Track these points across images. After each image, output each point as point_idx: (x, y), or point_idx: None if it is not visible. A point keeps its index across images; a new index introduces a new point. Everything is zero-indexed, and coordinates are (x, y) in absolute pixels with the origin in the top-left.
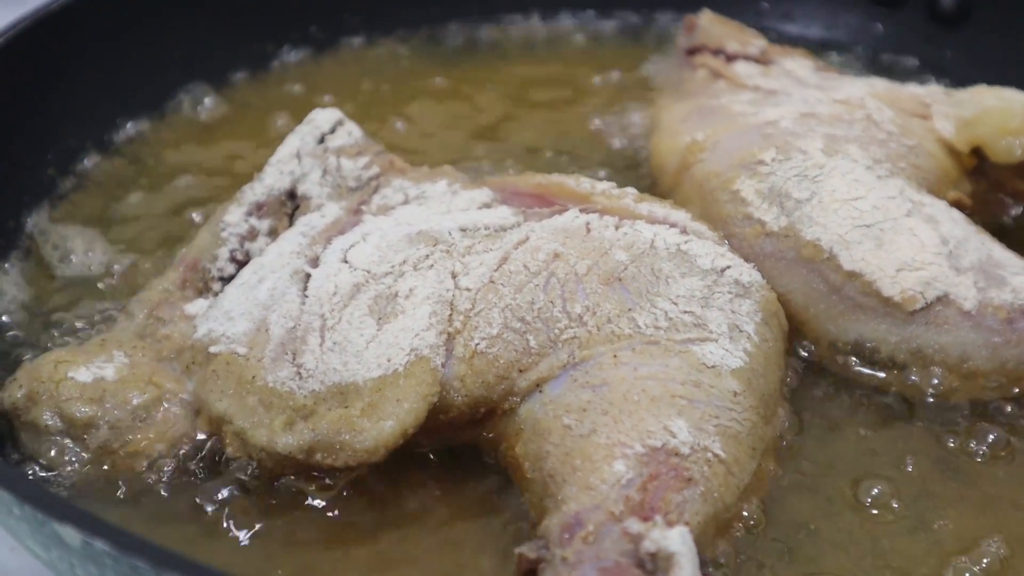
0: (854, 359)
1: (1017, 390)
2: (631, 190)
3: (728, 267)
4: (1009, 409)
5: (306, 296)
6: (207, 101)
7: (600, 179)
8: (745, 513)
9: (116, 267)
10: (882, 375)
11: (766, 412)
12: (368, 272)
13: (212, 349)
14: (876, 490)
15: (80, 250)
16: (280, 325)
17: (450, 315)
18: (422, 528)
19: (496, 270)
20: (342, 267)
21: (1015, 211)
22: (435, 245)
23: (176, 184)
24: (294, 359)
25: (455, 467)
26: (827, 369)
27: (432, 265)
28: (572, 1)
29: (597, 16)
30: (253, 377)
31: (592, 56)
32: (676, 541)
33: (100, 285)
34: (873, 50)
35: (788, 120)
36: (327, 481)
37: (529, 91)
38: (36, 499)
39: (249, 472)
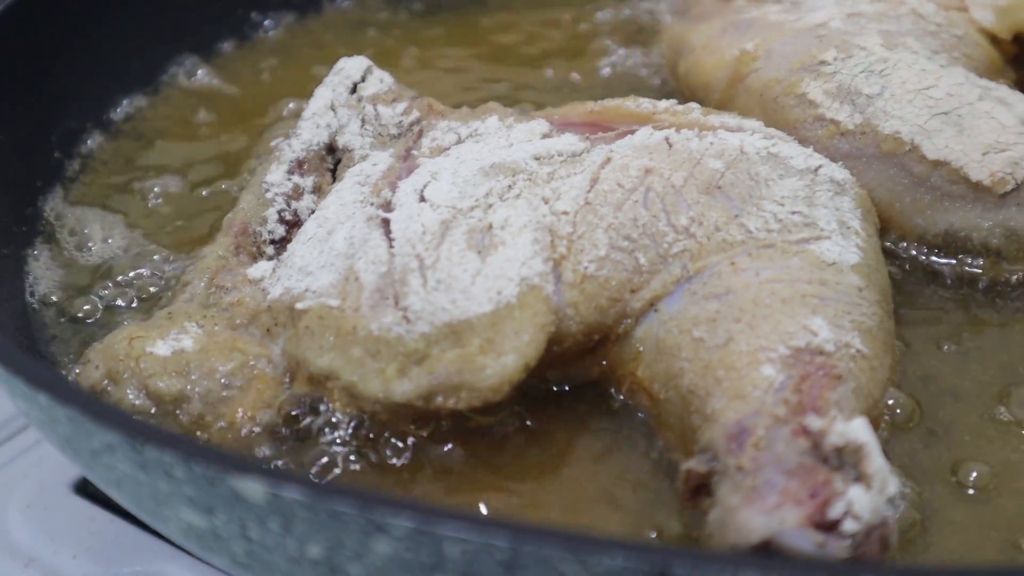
0: (944, 251)
1: None
2: (695, 105)
3: (821, 165)
4: None
5: (392, 239)
6: (199, 73)
7: None
8: (891, 401)
9: (138, 248)
10: (975, 264)
11: (888, 306)
12: (453, 207)
13: (299, 306)
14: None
15: (98, 237)
16: (370, 271)
17: (552, 241)
18: (546, 464)
19: (589, 191)
20: (422, 206)
21: None
22: (515, 175)
23: (181, 158)
24: (397, 303)
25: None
26: (917, 264)
27: (519, 194)
28: None
29: None
30: (354, 327)
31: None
32: (862, 431)
33: (130, 266)
34: None
35: (838, 20)
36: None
37: (527, 36)
38: (208, 456)
39: (349, 430)
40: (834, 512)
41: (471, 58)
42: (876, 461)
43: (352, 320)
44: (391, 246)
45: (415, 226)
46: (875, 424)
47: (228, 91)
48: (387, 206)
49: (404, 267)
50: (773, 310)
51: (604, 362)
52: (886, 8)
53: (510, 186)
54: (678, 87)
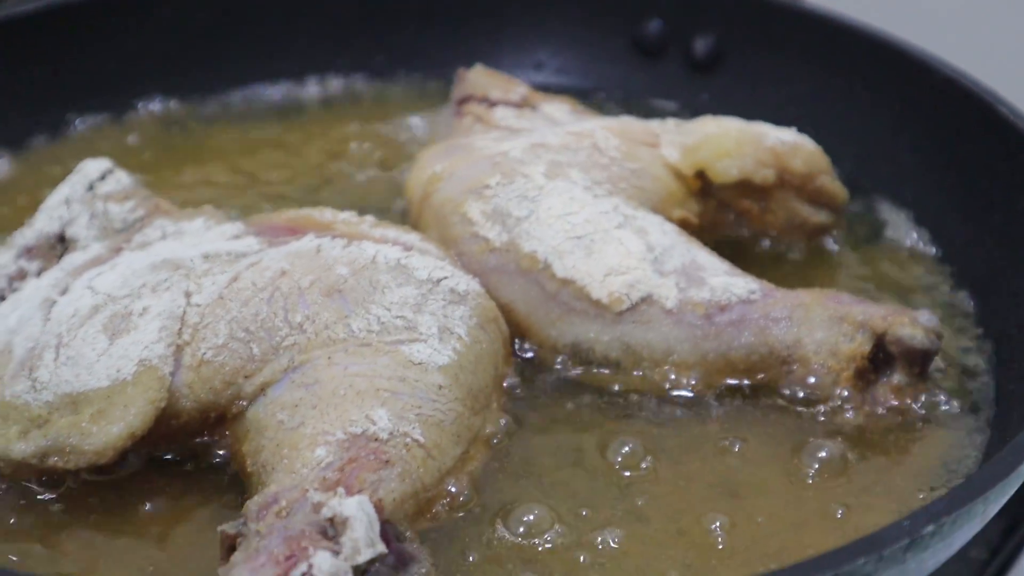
0: (573, 360)
1: (723, 381)
2: (370, 218)
3: (445, 278)
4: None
5: (48, 319)
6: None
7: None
8: (453, 490)
9: None
10: (604, 372)
11: (475, 404)
12: (108, 295)
13: None
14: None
15: None
16: (21, 346)
17: (180, 328)
18: (141, 525)
19: (226, 287)
20: (85, 292)
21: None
22: (176, 270)
23: None
24: (30, 374)
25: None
26: (552, 371)
27: (169, 287)
28: (354, 64)
29: (370, 77)
30: None
31: (379, 111)
32: (351, 506)
33: None
34: (639, 95)
35: (518, 150)
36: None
37: (323, 148)
38: None
39: None
40: (296, 572)
41: (264, 168)
42: (354, 533)
43: None
44: (44, 325)
45: (69, 309)
46: (429, 506)
47: (25, 186)
48: (64, 291)
49: (45, 344)
50: (346, 399)
51: (222, 437)
52: (571, 141)
53: (166, 279)
54: None
